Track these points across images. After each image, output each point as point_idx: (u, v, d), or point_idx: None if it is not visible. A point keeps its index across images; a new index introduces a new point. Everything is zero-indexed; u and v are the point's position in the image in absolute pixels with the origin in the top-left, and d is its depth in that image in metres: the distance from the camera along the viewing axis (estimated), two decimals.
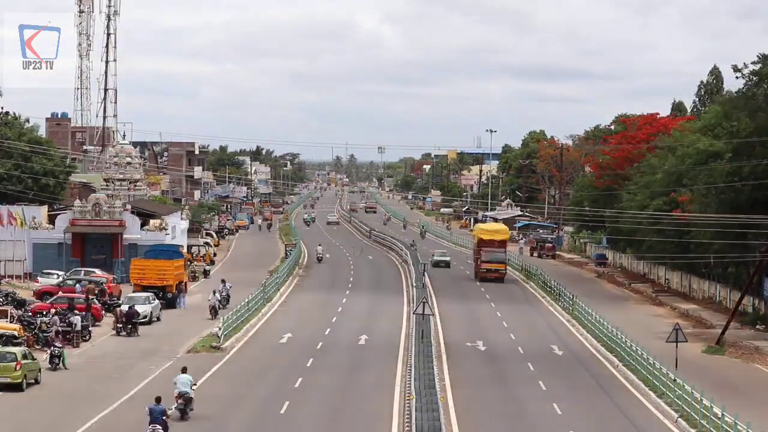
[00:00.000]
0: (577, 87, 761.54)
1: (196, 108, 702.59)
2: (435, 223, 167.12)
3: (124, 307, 56.97)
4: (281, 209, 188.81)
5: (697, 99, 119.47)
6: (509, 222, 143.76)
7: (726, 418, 35.53)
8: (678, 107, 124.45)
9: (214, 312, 61.65)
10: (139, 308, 58.50)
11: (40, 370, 43.08)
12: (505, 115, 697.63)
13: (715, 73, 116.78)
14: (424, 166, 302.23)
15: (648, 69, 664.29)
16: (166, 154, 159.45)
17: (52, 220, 79.87)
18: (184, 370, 38.35)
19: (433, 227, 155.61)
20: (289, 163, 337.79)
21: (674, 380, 41.93)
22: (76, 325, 51.75)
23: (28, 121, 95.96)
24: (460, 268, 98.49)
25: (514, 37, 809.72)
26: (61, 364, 45.63)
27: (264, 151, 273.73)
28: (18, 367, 40.91)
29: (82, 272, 72.13)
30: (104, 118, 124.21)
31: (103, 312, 59.87)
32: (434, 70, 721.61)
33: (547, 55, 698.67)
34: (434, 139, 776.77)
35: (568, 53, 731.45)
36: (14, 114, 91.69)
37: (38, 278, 71.80)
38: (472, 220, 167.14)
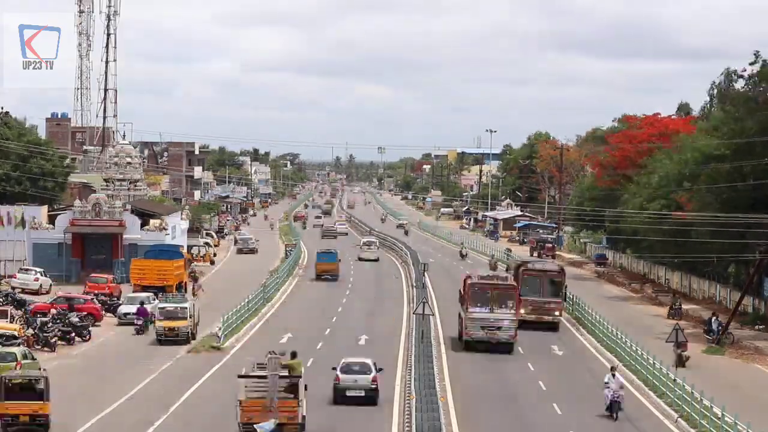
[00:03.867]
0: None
1: (194, 108, 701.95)
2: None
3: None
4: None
5: (708, 99, 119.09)
6: (509, 222, 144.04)
7: (726, 418, 35.50)
8: (684, 108, 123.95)
9: None
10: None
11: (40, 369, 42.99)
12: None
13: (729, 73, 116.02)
14: (424, 166, 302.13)
15: None
16: (166, 154, 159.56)
17: (52, 220, 79.82)
18: None
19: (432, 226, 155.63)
20: (289, 163, 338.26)
21: (674, 380, 41.94)
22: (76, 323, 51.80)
23: (33, 126, 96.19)
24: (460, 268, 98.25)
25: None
26: None
27: (262, 152, 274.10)
28: (18, 367, 40.86)
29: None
30: (104, 118, 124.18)
31: (103, 312, 59.85)
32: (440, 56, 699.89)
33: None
34: (439, 140, 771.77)
35: None
36: (20, 117, 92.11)
37: (16, 274, 71.14)
38: (472, 220, 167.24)
